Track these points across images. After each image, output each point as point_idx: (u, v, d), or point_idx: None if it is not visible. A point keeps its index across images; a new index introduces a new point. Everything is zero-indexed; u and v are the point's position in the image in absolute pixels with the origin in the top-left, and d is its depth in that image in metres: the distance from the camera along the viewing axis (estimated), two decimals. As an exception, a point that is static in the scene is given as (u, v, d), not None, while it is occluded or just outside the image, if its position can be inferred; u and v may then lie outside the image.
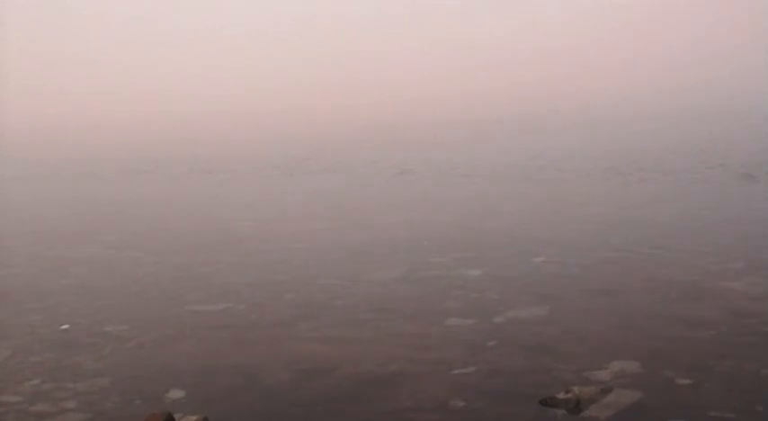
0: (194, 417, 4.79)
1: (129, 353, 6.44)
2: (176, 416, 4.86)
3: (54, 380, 5.80)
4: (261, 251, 10.99)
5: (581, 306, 7.24)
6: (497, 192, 17.13)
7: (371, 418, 4.82)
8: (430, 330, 6.68)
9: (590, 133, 41.45)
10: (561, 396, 4.91)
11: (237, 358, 6.16)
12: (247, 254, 10.83)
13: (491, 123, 60.53)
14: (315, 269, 9.54)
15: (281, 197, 18.58)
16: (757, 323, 6.41)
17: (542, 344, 6.13)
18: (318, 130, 64.65)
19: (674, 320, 6.62)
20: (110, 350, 6.54)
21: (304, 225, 13.45)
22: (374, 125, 67.93)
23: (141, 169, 31.48)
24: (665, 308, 7.03)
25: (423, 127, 60.58)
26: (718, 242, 9.98)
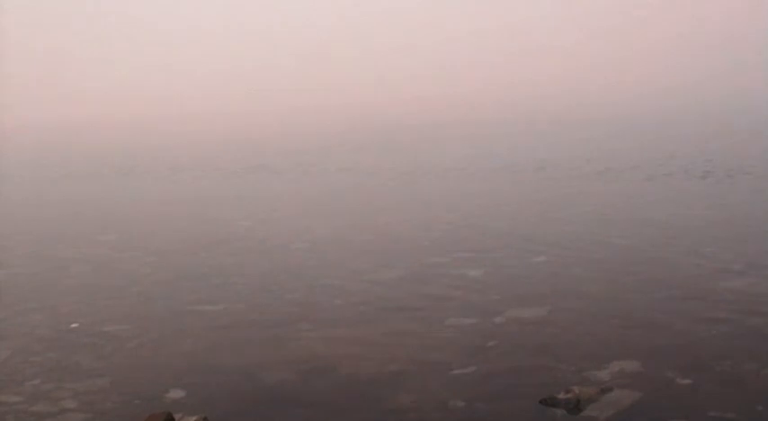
0: (194, 417, 4.79)
1: (129, 353, 6.44)
2: (176, 416, 4.87)
3: (54, 380, 5.80)
4: (261, 251, 10.99)
5: (581, 306, 7.24)
6: (497, 192, 17.14)
7: (371, 418, 4.82)
8: (430, 330, 6.69)
9: (589, 133, 41.48)
10: (561, 396, 4.91)
11: (237, 358, 6.16)
12: (247, 254, 10.83)
13: (490, 123, 60.54)
14: (315, 269, 9.54)
15: (282, 197, 18.59)
16: (757, 323, 6.41)
17: (542, 344, 6.13)
18: (319, 131, 64.68)
19: (674, 320, 6.62)
20: (110, 350, 6.54)
21: (304, 225, 13.45)
22: (374, 125, 67.96)
23: (140, 169, 31.49)
24: (665, 308, 7.03)
25: (422, 127, 60.61)
26: (718, 242, 9.98)
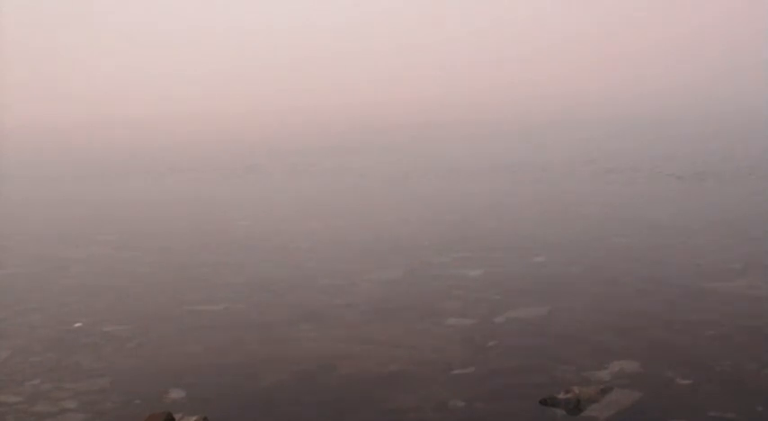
0: (194, 417, 4.79)
1: (129, 353, 6.44)
2: (176, 416, 4.87)
3: (54, 380, 5.80)
4: (261, 251, 11.00)
5: (581, 306, 7.24)
6: (497, 192, 17.14)
7: (371, 418, 4.83)
8: (430, 330, 6.69)
9: (589, 133, 41.48)
10: (561, 396, 4.91)
11: (237, 358, 6.16)
12: (247, 254, 10.83)
13: (490, 123, 60.56)
14: (315, 269, 9.54)
15: (282, 197, 18.59)
16: (757, 323, 6.41)
17: (542, 345, 6.13)
18: (318, 131, 64.69)
19: (674, 320, 6.62)
20: (110, 350, 6.54)
21: (303, 225, 13.45)
22: (374, 125, 68.00)
23: (140, 169, 31.49)
24: (665, 308, 7.03)
25: (422, 127, 60.63)
26: (718, 242, 9.98)
